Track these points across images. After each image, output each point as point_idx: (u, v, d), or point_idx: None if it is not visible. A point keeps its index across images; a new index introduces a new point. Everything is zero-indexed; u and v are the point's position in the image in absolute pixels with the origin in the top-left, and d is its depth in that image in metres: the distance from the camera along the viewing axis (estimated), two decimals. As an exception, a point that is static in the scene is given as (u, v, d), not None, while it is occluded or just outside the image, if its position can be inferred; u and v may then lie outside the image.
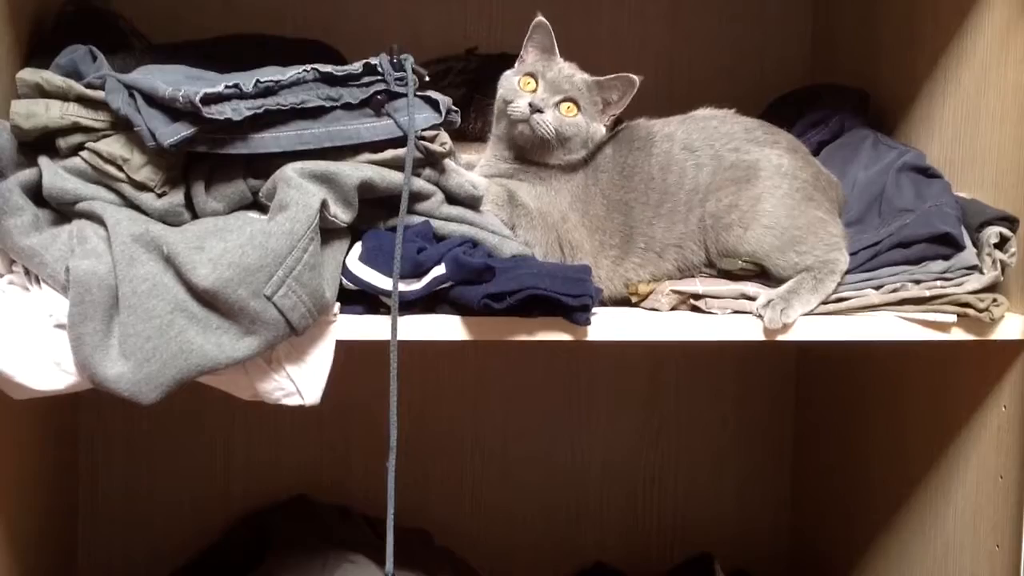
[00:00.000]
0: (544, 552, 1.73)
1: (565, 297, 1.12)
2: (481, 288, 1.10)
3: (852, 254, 1.25)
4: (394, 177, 1.13)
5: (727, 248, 1.24)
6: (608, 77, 1.28)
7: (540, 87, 1.27)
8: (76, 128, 1.13)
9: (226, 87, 1.08)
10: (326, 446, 1.72)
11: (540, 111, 1.24)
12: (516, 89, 1.27)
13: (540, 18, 1.30)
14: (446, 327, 1.15)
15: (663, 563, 1.72)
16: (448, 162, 1.19)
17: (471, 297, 1.11)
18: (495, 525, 1.75)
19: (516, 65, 1.31)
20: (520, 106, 1.25)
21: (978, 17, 1.33)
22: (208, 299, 1.05)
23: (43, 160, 1.14)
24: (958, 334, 1.22)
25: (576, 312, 1.12)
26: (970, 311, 1.20)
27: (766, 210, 1.23)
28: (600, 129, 1.29)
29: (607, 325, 1.17)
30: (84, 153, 1.13)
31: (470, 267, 1.11)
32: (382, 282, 1.12)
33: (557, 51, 1.30)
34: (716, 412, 1.84)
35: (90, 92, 1.13)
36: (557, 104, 1.26)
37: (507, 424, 1.79)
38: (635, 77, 1.28)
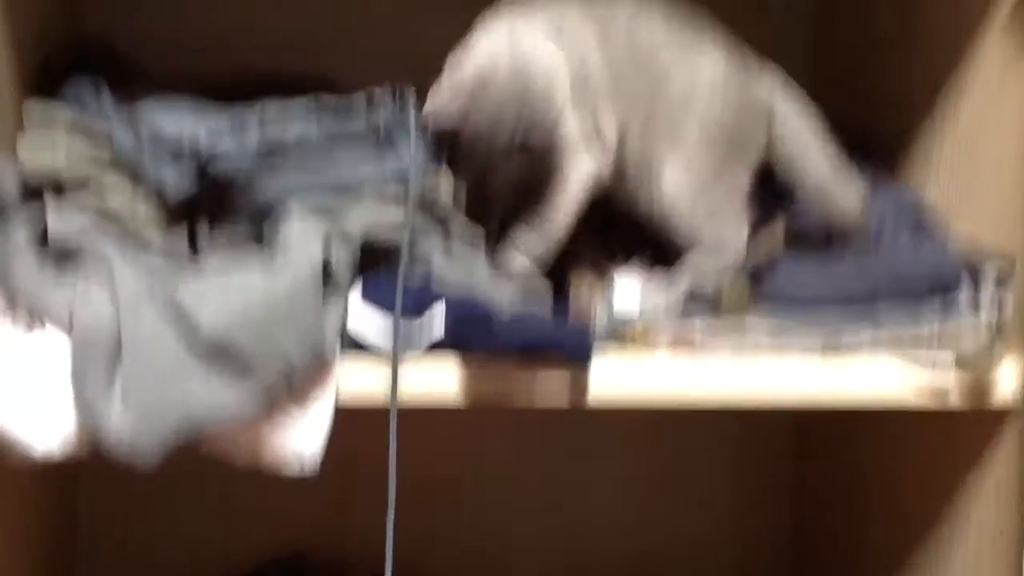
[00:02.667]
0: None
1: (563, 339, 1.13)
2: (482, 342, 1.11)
3: (851, 280, 1.26)
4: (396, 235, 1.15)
5: None
6: None
7: None
8: (82, 164, 1.14)
9: (231, 139, 1.11)
10: (326, 503, 1.72)
11: None
12: None
13: None
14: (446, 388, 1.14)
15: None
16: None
17: (476, 342, 1.12)
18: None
19: None
20: None
21: (972, 56, 1.34)
22: (211, 350, 1.05)
23: (48, 201, 1.14)
24: (954, 397, 1.22)
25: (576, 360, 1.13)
26: (968, 356, 1.20)
27: None
28: None
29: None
30: (90, 197, 1.13)
31: (472, 312, 1.12)
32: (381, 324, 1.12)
33: None
34: (714, 470, 1.84)
35: (96, 128, 1.14)
36: None
37: (508, 476, 1.79)
38: None
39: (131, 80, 1.39)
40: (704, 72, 1.26)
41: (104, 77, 1.21)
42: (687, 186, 1.23)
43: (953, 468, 1.37)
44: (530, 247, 1.23)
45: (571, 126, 1.20)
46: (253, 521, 1.73)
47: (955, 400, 1.22)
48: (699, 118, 1.23)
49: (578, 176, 1.22)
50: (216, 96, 1.21)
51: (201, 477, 1.67)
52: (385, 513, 1.09)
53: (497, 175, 1.25)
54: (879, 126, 1.55)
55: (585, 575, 1.82)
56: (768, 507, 1.86)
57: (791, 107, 1.32)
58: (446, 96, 1.20)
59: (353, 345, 1.13)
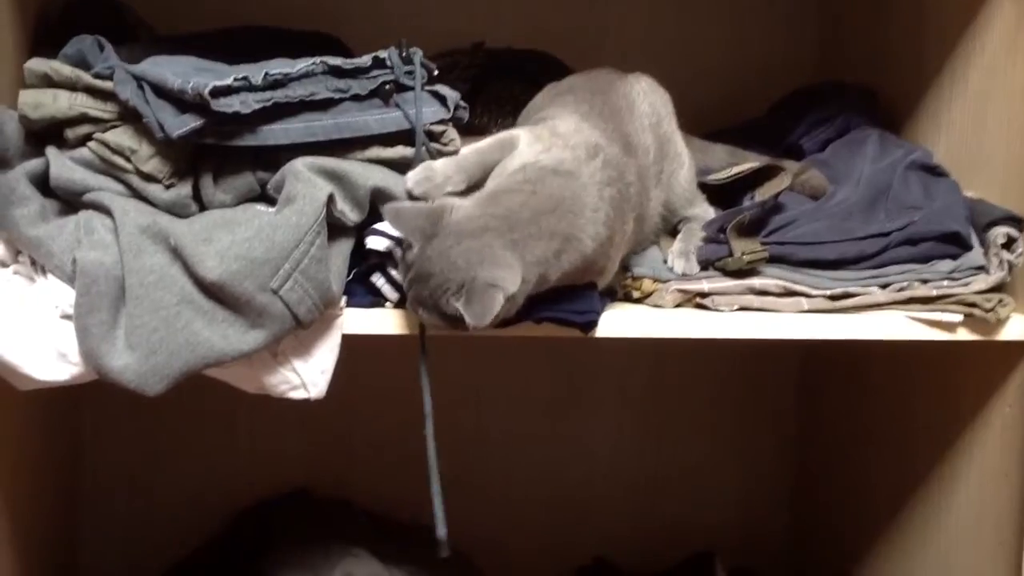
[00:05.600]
0: (545, 549, 1.74)
1: (572, 316, 1.13)
2: None
3: (860, 239, 1.25)
4: (402, 190, 1.13)
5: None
6: None
7: None
8: (84, 119, 1.13)
9: (235, 80, 1.07)
10: (328, 440, 1.72)
11: None
12: None
13: None
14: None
15: (664, 561, 1.72)
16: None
17: None
18: (495, 521, 1.75)
19: None
20: None
21: (986, 17, 1.32)
22: (215, 292, 1.05)
23: (50, 150, 1.14)
24: (964, 334, 1.22)
25: (583, 326, 1.14)
26: (976, 311, 1.20)
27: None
28: None
29: (613, 323, 1.17)
30: (92, 144, 1.12)
31: None
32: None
33: None
34: (719, 410, 1.85)
35: (98, 83, 1.12)
36: None
37: (509, 420, 1.79)
38: None
39: (134, 36, 1.40)
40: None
41: (106, 33, 1.20)
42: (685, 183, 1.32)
43: (957, 410, 1.37)
44: None
45: None
46: (254, 457, 1.73)
47: (964, 334, 1.22)
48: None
49: None
50: (219, 53, 1.20)
51: (203, 413, 1.67)
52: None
53: None
54: (888, 86, 1.55)
55: (587, 502, 1.82)
56: (771, 445, 1.87)
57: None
58: None
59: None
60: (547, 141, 1.15)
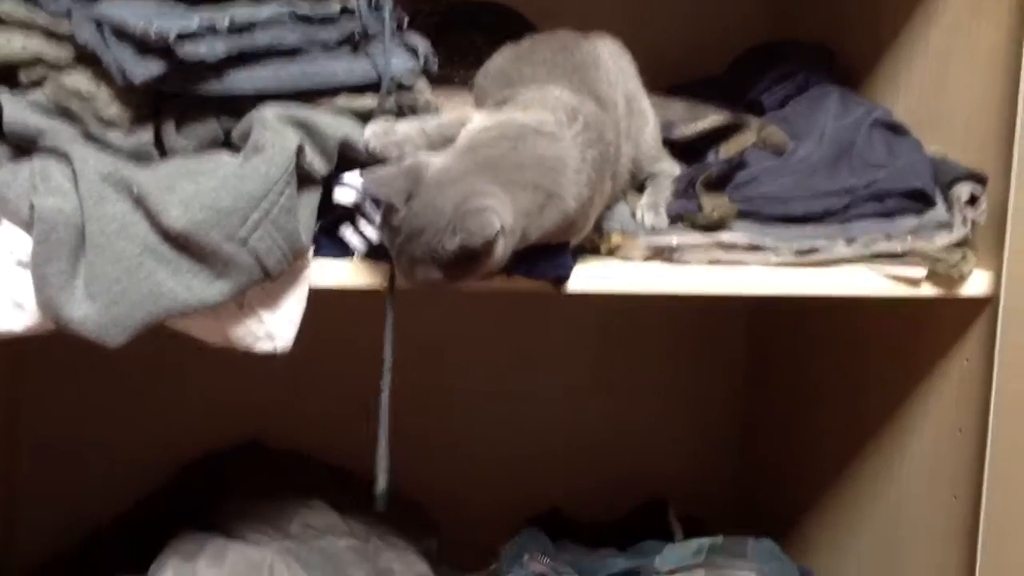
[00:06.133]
0: (501, 502, 1.73)
1: (545, 270, 1.13)
2: None
3: (826, 195, 1.25)
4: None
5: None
6: None
7: None
8: (39, 61, 1.08)
9: (200, 25, 1.04)
10: (280, 391, 1.69)
11: None
12: None
13: None
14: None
15: (616, 511, 1.73)
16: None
17: None
18: (451, 474, 1.75)
19: None
20: None
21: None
22: (180, 242, 1.02)
23: (3, 94, 1.09)
24: (927, 289, 1.24)
25: (555, 280, 1.14)
26: (940, 266, 1.22)
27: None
28: None
29: (583, 278, 1.16)
30: (48, 87, 1.08)
31: None
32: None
33: None
34: (670, 363, 1.86)
35: (55, 23, 1.08)
36: None
37: (464, 376, 1.78)
38: None
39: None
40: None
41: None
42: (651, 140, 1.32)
43: (913, 364, 1.39)
44: None
45: None
46: (205, 407, 1.70)
47: (927, 289, 1.24)
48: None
49: None
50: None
51: (154, 362, 1.61)
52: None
53: None
54: (844, 45, 1.55)
55: (541, 456, 1.82)
56: (721, 396, 1.89)
57: None
58: None
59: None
60: (522, 107, 1.14)
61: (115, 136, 1.08)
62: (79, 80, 1.07)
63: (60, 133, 1.08)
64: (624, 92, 1.26)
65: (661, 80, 1.42)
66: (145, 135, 1.09)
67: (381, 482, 1.14)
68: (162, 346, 1.07)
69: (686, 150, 1.37)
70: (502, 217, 1.02)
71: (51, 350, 1.59)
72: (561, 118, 1.12)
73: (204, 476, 1.61)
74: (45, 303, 1.01)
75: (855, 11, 1.55)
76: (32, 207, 1.02)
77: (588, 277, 1.17)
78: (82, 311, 1.01)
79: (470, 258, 1.03)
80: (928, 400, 1.37)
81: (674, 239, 1.21)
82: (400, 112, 1.15)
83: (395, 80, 1.13)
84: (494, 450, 1.81)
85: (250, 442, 1.67)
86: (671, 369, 1.86)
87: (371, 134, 1.11)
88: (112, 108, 1.07)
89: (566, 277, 1.14)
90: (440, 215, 1.02)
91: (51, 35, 1.08)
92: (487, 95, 1.25)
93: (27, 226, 1.03)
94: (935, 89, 1.36)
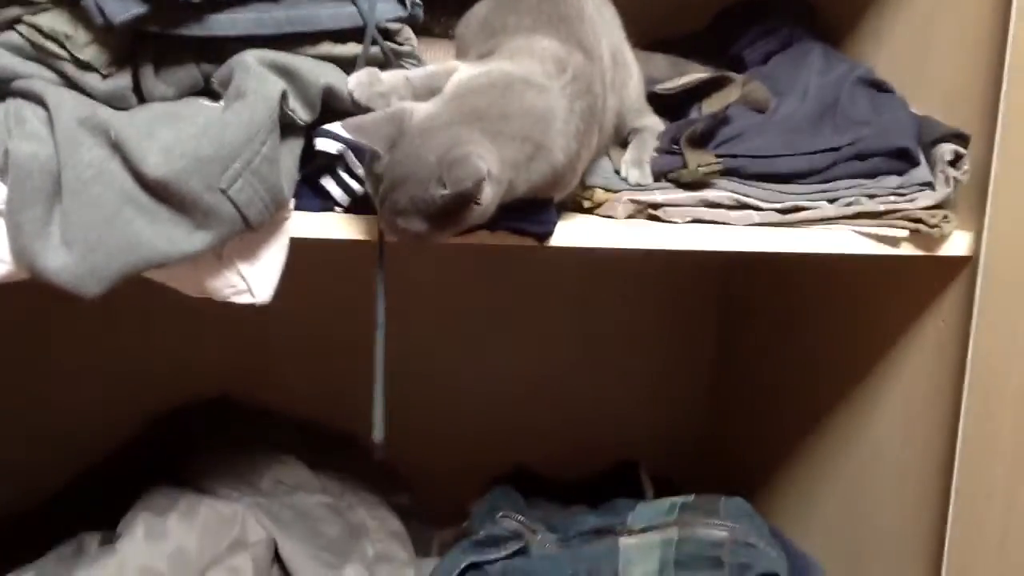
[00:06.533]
0: (470, 461, 1.72)
1: (529, 225, 1.11)
2: None
3: (811, 153, 1.25)
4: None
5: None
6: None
7: None
8: (12, 1, 1.04)
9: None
10: (247, 346, 1.67)
11: None
12: None
13: None
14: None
15: (587, 470, 1.73)
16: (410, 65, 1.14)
17: None
18: (421, 433, 1.73)
19: None
20: None
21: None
22: (159, 190, 0.99)
23: (-26, 35, 1.06)
24: (907, 249, 1.24)
25: (540, 235, 1.13)
26: (922, 227, 1.22)
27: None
28: None
29: (566, 233, 1.15)
30: (22, 27, 1.04)
31: None
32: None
33: None
34: (640, 325, 1.85)
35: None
36: None
37: (433, 334, 1.76)
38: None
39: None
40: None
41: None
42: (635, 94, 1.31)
43: (887, 324, 1.40)
44: None
45: None
46: (172, 363, 1.67)
47: (908, 249, 1.24)
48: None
49: None
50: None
51: (121, 312, 1.58)
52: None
53: None
54: (828, 2, 1.54)
55: (511, 416, 1.82)
56: (692, 357, 1.89)
57: None
58: None
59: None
60: (508, 56, 1.12)
61: (91, 79, 1.05)
62: (55, 20, 1.04)
63: (34, 76, 1.04)
64: (609, 44, 1.25)
65: (643, 36, 1.41)
66: (123, 79, 1.06)
67: (378, 433, 1.12)
68: (129, 294, 1.04)
69: (668, 106, 1.35)
70: (489, 163, 1.00)
71: (14, 298, 1.56)
72: (549, 69, 1.10)
73: (174, 431, 1.58)
74: (19, 252, 0.98)
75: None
76: (6, 152, 0.99)
77: (571, 232, 1.16)
78: (58, 260, 0.98)
79: (456, 207, 1.01)
80: (903, 361, 1.37)
81: (658, 196, 1.20)
82: (385, 59, 1.13)
83: (380, 27, 1.11)
84: (465, 409, 1.80)
85: (219, 397, 1.65)
86: (642, 331, 1.86)
87: (355, 84, 1.08)
88: (89, 50, 1.04)
89: (550, 232, 1.13)
90: (424, 163, 1.00)
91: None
92: (470, 46, 1.22)
93: (1, 172, 1.00)
94: (919, 50, 1.36)
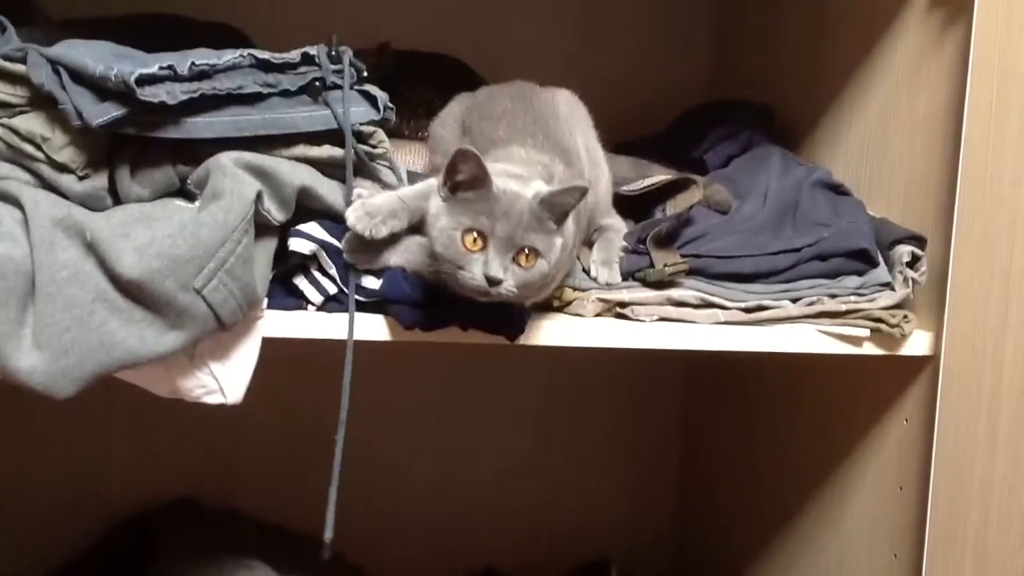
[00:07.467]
0: (436, 559, 1.72)
1: (501, 324, 1.13)
2: (415, 312, 1.10)
3: (774, 254, 1.27)
4: (328, 192, 1.10)
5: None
6: (556, 190, 1.06)
7: (491, 247, 1.04)
8: (-9, 99, 1.06)
9: (160, 68, 1.02)
10: (211, 446, 1.66)
11: (500, 282, 1.04)
12: (460, 251, 1.04)
13: (464, 148, 1.04)
14: (373, 328, 1.13)
15: (552, 570, 1.72)
16: (383, 168, 1.16)
17: (401, 315, 1.11)
18: (386, 531, 1.72)
19: (439, 193, 1.07)
20: (475, 277, 1.03)
21: (890, 42, 1.37)
22: (132, 290, 1.00)
23: (-49, 136, 1.07)
24: (869, 348, 1.26)
25: (510, 334, 1.14)
26: (883, 327, 1.24)
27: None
28: (560, 239, 1.08)
29: (536, 332, 1.17)
30: (0, 129, 1.06)
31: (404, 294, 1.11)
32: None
33: (492, 180, 1.04)
34: (607, 422, 1.86)
35: (8, 65, 1.06)
36: (515, 259, 1.05)
37: (400, 430, 1.76)
38: (584, 185, 1.09)
39: (30, 19, 1.32)
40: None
41: (9, 16, 1.13)
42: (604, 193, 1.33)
43: (852, 422, 1.41)
44: None
45: None
46: (135, 464, 1.66)
47: (870, 348, 1.26)
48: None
49: None
50: (127, 40, 1.14)
51: (78, 413, 1.57)
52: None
53: None
54: (783, 106, 1.59)
55: (477, 512, 1.82)
56: (658, 454, 1.90)
57: None
58: None
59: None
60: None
61: (68, 180, 1.06)
62: (32, 123, 1.05)
63: (11, 177, 1.05)
64: (583, 142, 1.27)
65: (604, 138, 1.44)
66: (99, 180, 1.07)
67: (328, 532, 1.11)
68: (89, 395, 1.04)
69: (631, 206, 1.38)
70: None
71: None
72: (534, 173, 1.12)
73: (136, 534, 1.57)
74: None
75: (796, 72, 1.59)
76: (-20, 252, 0.99)
77: (541, 331, 1.17)
78: (30, 361, 0.98)
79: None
80: (868, 459, 1.39)
81: (625, 295, 1.22)
82: (360, 162, 1.14)
83: (354, 130, 1.13)
84: (429, 507, 1.79)
85: (183, 499, 1.63)
86: (610, 426, 1.87)
87: (355, 219, 1.08)
88: (66, 152, 1.05)
89: (521, 331, 1.14)
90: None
91: (3, 76, 1.06)
92: (446, 144, 1.24)
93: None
94: (875, 152, 1.40)
